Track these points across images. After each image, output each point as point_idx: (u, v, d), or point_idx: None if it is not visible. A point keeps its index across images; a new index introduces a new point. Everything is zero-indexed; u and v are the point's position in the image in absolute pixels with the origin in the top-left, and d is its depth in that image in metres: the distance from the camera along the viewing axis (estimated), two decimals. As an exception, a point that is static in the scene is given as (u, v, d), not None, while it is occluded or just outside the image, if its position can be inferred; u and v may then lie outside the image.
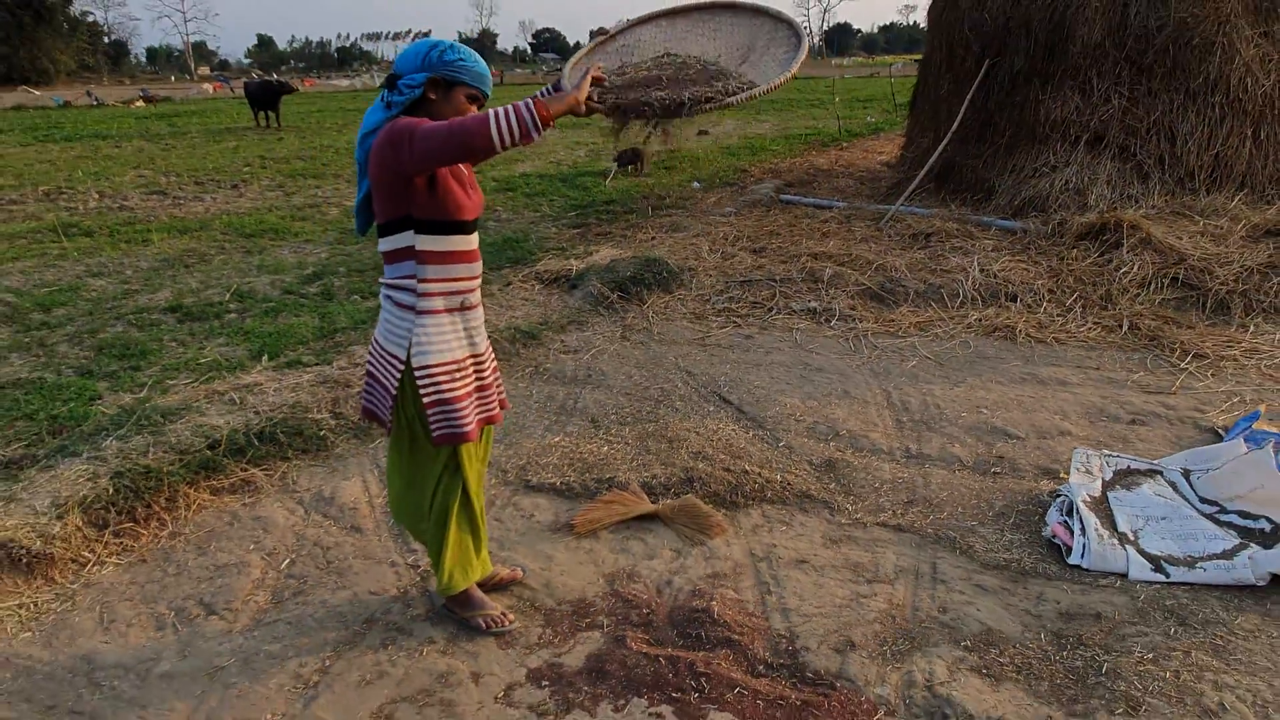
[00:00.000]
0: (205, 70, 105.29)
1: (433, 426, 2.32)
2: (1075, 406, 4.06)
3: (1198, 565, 2.74)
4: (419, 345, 2.28)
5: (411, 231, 2.23)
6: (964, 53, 7.57)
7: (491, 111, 2.05)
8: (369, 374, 2.43)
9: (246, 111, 22.92)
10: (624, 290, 5.77)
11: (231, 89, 41.81)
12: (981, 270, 5.58)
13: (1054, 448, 3.65)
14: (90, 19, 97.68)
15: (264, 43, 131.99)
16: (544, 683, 2.44)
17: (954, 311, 5.27)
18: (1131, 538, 2.88)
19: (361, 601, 2.84)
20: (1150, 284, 5.19)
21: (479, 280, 2.43)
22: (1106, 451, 3.38)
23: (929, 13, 8.26)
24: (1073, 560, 2.85)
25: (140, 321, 5.92)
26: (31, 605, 2.84)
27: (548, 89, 2.53)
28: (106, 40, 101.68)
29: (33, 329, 5.81)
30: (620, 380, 4.55)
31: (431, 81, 2.21)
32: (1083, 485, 3.09)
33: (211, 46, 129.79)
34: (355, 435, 4.00)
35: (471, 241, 2.35)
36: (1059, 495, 3.13)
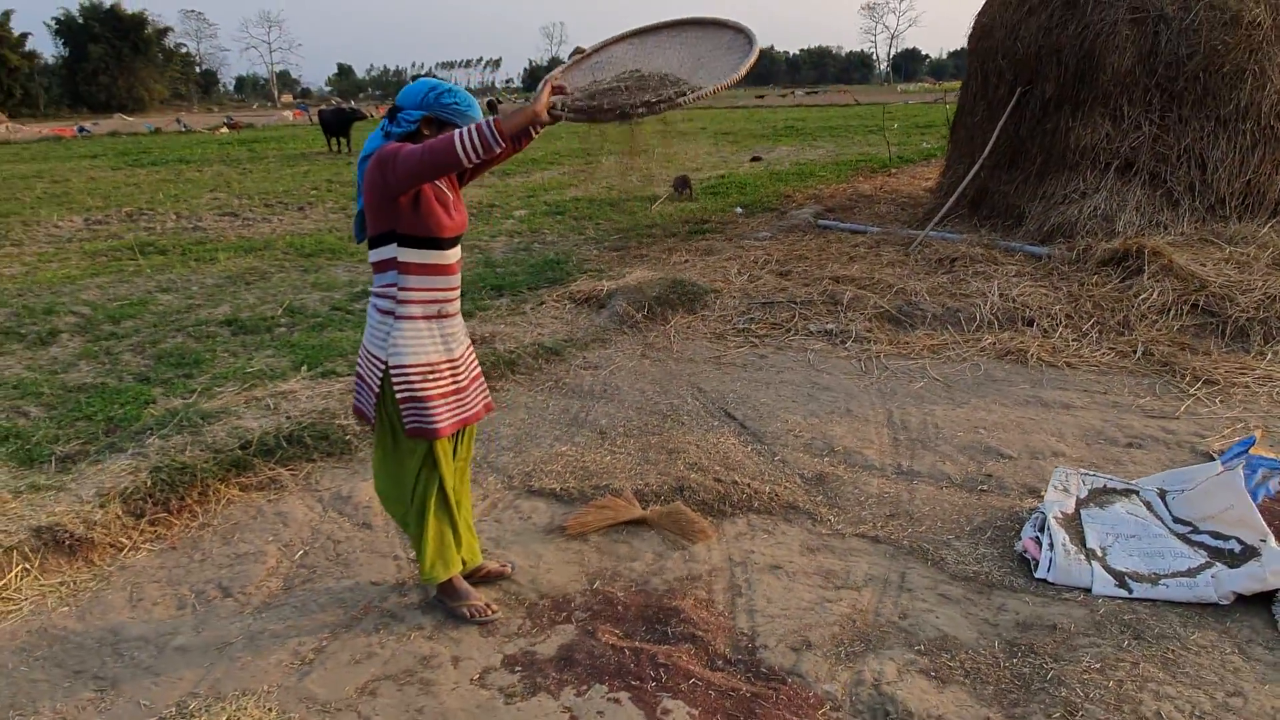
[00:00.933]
0: (288, 98, 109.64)
1: (405, 421, 2.57)
2: (1074, 429, 4.11)
3: (1160, 582, 2.80)
4: (395, 347, 2.53)
5: (395, 245, 2.49)
6: (997, 80, 7.62)
7: (458, 131, 2.29)
8: (357, 374, 2.69)
9: (321, 137, 23.90)
10: (649, 310, 5.98)
11: (310, 116, 43.48)
12: (1001, 295, 5.63)
13: (1044, 468, 3.71)
14: (184, 50, 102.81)
15: (343, 71, 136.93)
16: (517, 668, 2.63)
17: (969, 335, 5.34)
18: (1099, 554, 2.95)
19: (362, 590, 3.07)
20: (1169, 310, 5.18)
21: (457, 292, 2.67)
22: (1084, 470, 3.43)
23: (969, 40, 8.34)
24: (1039, 574, 2.92)
25: (198, 333, 6.33)
26: (71, 584, 3.15)
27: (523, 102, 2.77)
28: (198, 70, 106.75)
29: (102, 339, 6.27)
30: (633, 395, 4.74)
31: (427, 119, 2.50)
32: (1057, 502, 3.16)
33: (295, 75, 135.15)
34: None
35: (450, 256, 2.58)
36: (1036, 512, 3.21)
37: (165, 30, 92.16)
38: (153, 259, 9.42)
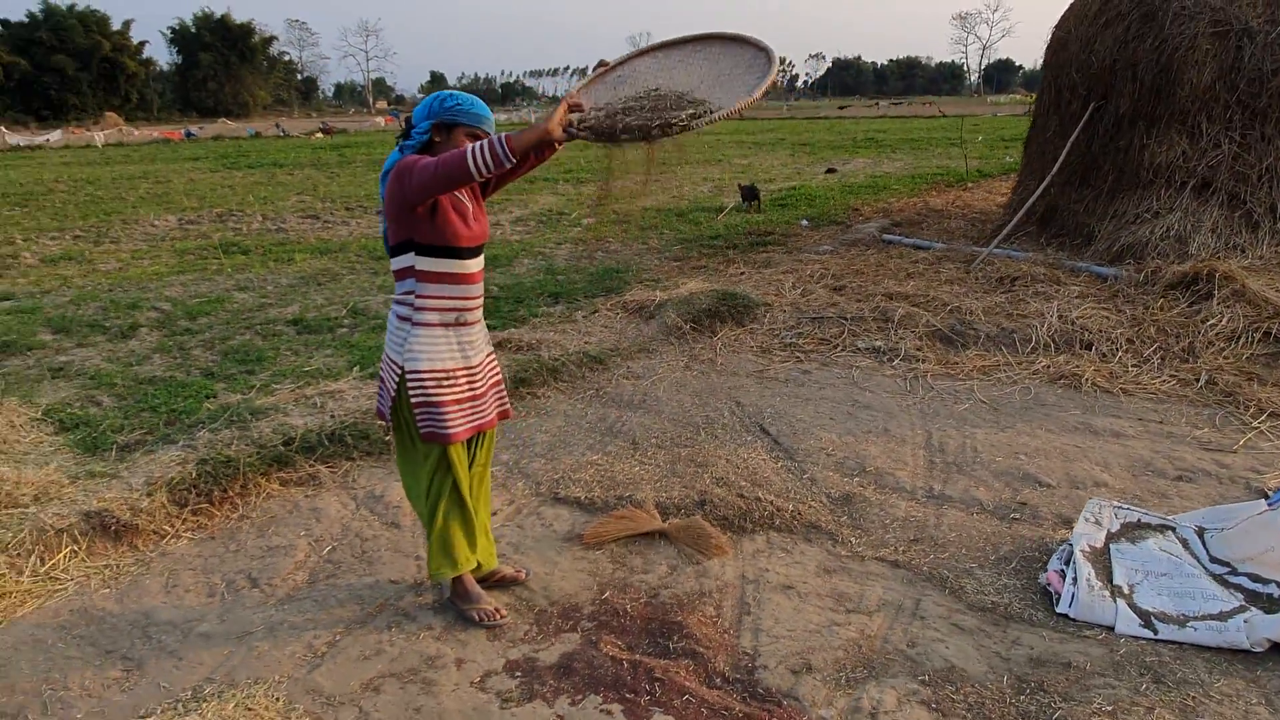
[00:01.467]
0: (382, 104, 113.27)
1: (419, 425, 2.65)
2: (1121, 459, 3.94)
3: (1189, 624, 2.67)
4: (411, 353, 2.61)
5: (413, 253, 2.57)
6: (1070, 95, 7.37)
7: (470, 146, 2.35)
8: (379, 377, 2.77)
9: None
10: (697, 322, 5.97)
11: (400, 121, 44.74)
12: (1060, 316, 5.44)
13: (1083, 498, 3.57)
14: (286, 58, 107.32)
15: (436, 79, 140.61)
16: (517, 673, 2.66)
17: (1022, 357, 5.17)
18: (1125, 591, 2.82)
19: (381, 587, 3.15)
20: (1239, 338, 4.92)
21: (477, 300, 2.72)
22: (1118, 503, 3.29)
23: (1045, 53, 8.10)
24: (1060, 609, 2.82)
25: (266, 331, 6.59)
26: (115, 567, 3.32)
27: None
28: (299, 77, 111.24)
29: (177, 334, 6.58)
30: (671, 406, 4.75)
31: (435, 126, 2.58)
32: (1086, 535, 3.05)
33: (390, 83, 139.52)
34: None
35: (468, 266, 2.64)
36: (1064, 544, 3.10)
37: (270, 39, 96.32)
38: (235, 258, 9.85)
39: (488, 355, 2.84)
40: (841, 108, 65.23)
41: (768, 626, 2.83)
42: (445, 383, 2.65)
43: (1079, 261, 6.57)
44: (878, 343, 5.49)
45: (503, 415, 2.92)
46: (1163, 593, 2.81)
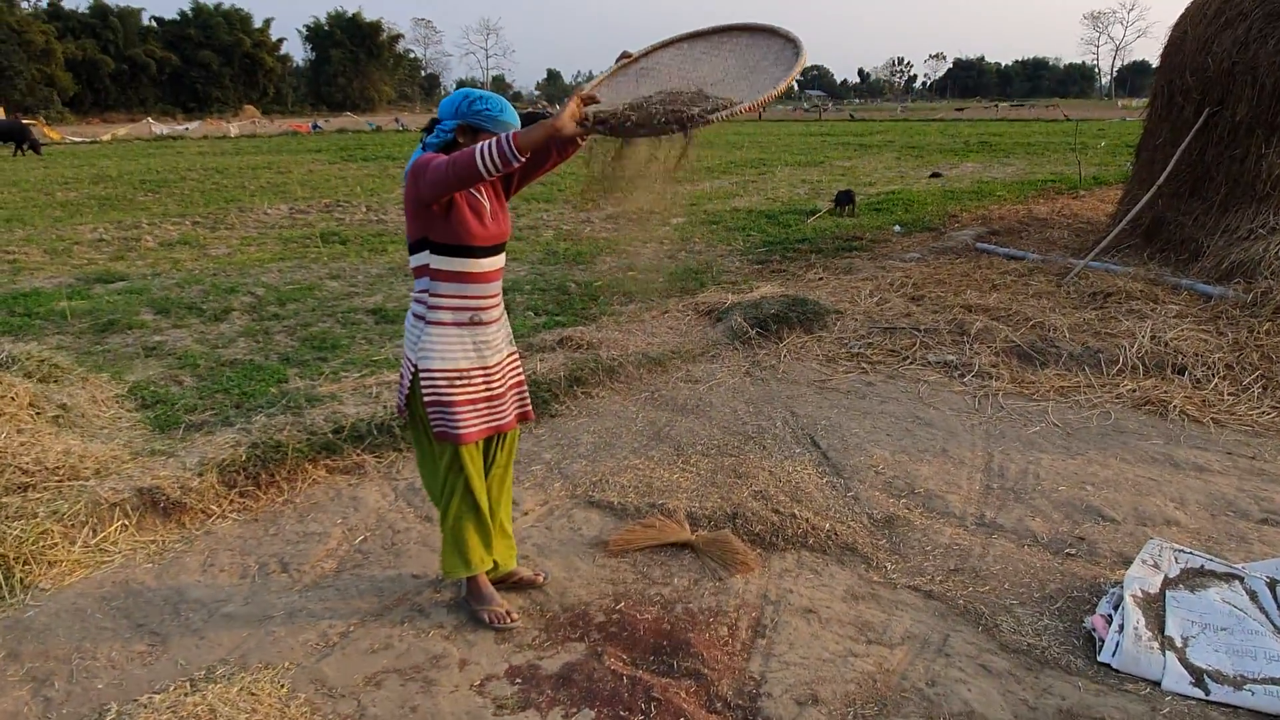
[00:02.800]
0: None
1: (432, 424, 2.64)
2: (1201, 495, 3.63)
3: (1246, 686, 2.41)
4: (424, 351, 2.60)
5: (428, 251, 2.56)
6: (1183, 99, 6.84)
7: (479, 145, 2.31)
8: (400, 375, 2.79)
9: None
10: (764, 327, 5.83)
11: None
12: (1152, 337, 5.06)
13: (1149, 537, 3.29)
14: (411, 55, 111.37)
15: (551, 76, 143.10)
16: (517, 680, 2.63)
17: (1106, 379, 4.83)
18: (1178, 644, 2.58)
19: (402, 581, 3.17)
20: (1356, 370, 4.47)
21: (495, 299, 2.69)
22: (1179, 546, 3.01)
23: (1160, 55, 7.55)
24: (1103, 658, 2.60)
25: (346, 320, 6.78)
26: (160, 543, 3.45)
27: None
28: (423, 74, 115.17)
29: (265, 319, 6.85)
30: (723, 413, 4.64)
31: (461, 128, 2.55)
32: (1140, 578, 2.80)
33: (509, 80, 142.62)
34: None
35: (484, 265, 2.61)
36: (1116, 586, 2.86)
37: (397, 37, 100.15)
38: (333, 248, 10.20)
39: (508, 355, 2.81)
40: (959, 110, 63.02)
41: (780, 652, 2.71)
42: (458, 382, 2.63)
43: (1182, 278, 6.10)
44: (950, 356, 5.23)
45: (523, 417, 2.89)
46: (1220, 649, 2.55)
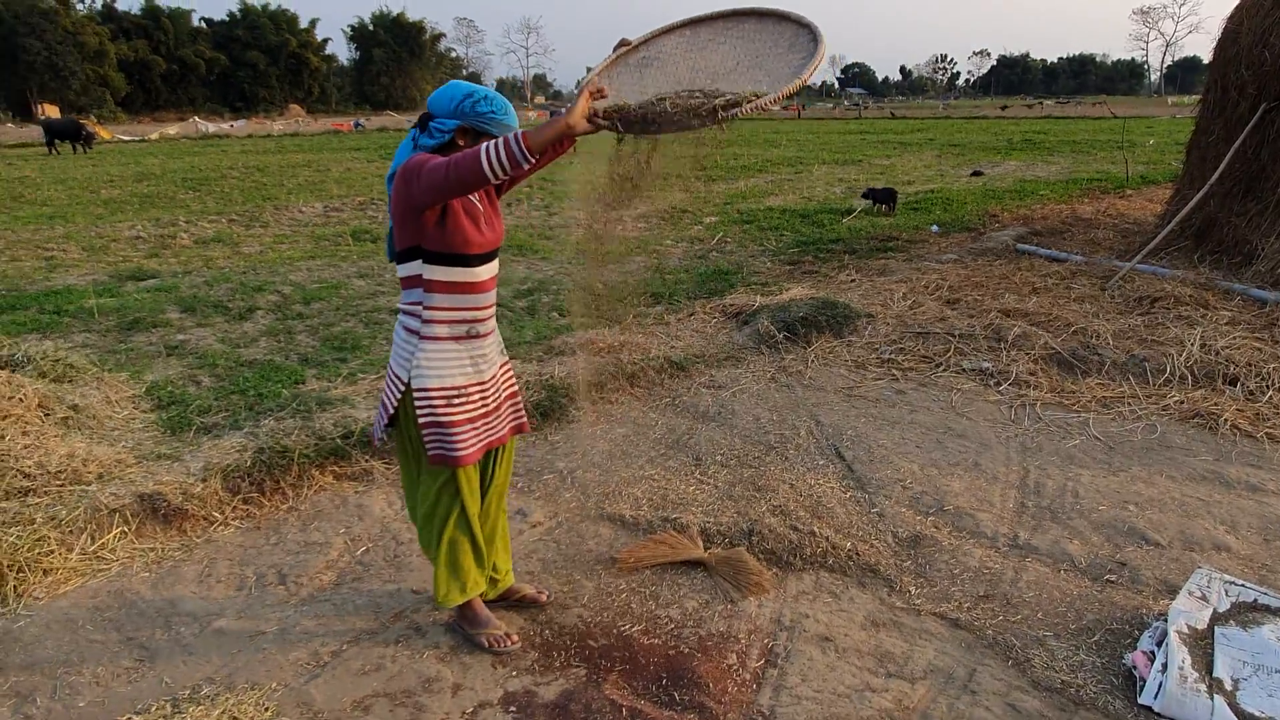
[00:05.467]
0: (540, 99, 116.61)
1: (428, 447, 2.46)
2: (1253, 518, 3.37)
3: (1304, 737, 2.19)
4: (419, 369, 2.41)
5: (420, 261, 2.37)
6: (1238, 94, 6.50)
7: (484, 145, 2.12)
8: (381, 394, 2.60)
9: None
10: (791, 330, 5.63)
11: (549, 114, 46.14)
12: (1202, 345, 4.78)
13: (1197, 563, 3.06)
14: (453, 54, 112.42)
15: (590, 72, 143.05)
16: (511, 708, 2.49)
17: (1152, 389, 4.57)
18: (1228, 686, 2.36)
19: (401, 596, 3.05)
20: None
21: (489, 310, 2.52)
22: (1231, 577, 2.78)
23: (1213, 49, 7.19)
24: (1143, 700, 2.39)
25: (369, 320, 6.70)
26: (159, 551, 3.36)
27: (568, 107, 2.59)
28: (464, 72, 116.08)
29: (289, 318, 6.80)
30: (746, 421, 4.46)
31: (462, 129, 2.34)
32: (1186, 612, 2.58)
33: (549, 79, 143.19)
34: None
35: (480, 274, 2.44)
36: (1161, 620, 2.64)
37: (439, 36, 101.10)
38: (363, 246, 10.17)
39: (502, 366, 2.66)
40: (1003, 107, 61.83)
41: (792, 684, 2.54)
42: (456, 400, 2.45)
43: (1235, 283, 5.78)
44: (985, 364, 4.99)
45: (518, 429, 2.74)
46: (1276, 693, 2.33)
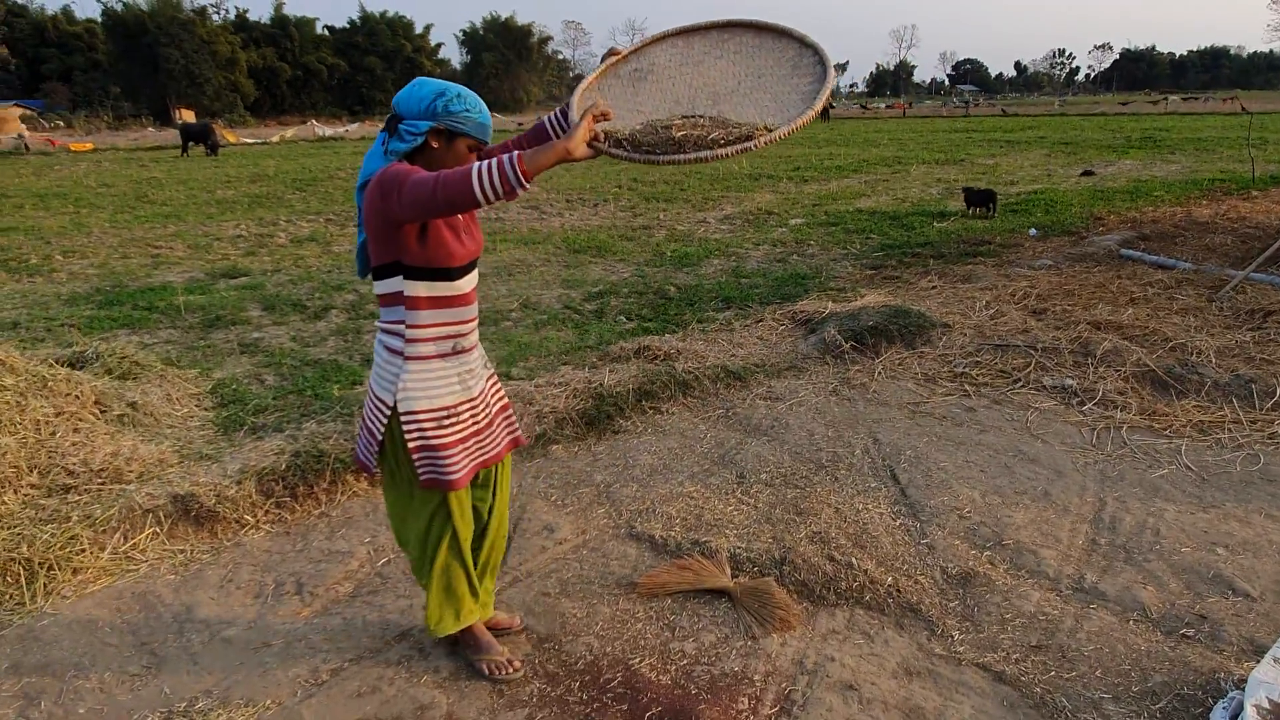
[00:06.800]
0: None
1: (419, 471, 2.32)
2: (1368, 570, 2.94)
3: (1406, 846, 1.84)
4: (405, 391, 2.27)
5: (401, 277, 2.21)
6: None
7: (475, 166, 1.96)
8: (362, 420, 2.45)
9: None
10: (859, 340, 5.33)
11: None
12: (1321, 366, 4.26)
13: (1293, 621, 2.68)
14: (560, 56, 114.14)
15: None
16: (502, 742, 2.35)
17: (1259, 414, 4.09)
18: (1314, 776, 2.02)
19: (411, 613, 2.95)
20: None
21: (473, 323, 2.37)
22: (1327, 644, 2.39)
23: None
24: (1210, 782, 2.07)
25: (436, 320, 6.70)
26: (188, 553, 3.37)
27: (557, 114, 2.42)
28: (571, 74, 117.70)
29: (360, 318, 6.88)
30: (799, 437, 4.21)
31: (435, 130, 2.16)
32: (1268, 684, 2.23)
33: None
34: (518, 451, 4.16)
35: (463, 286, 2.29)
36: (1239, 690, 2.30)
37: (546, 39, 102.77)
38: (446, 246, 10.26)
39: (489, 380, 2.51)
40: (1122, 104, 58.61)
41: (805, 736, 2.31)
42: (446, 422, 2.31)
43: (1369, 295, 5.18)
44: (1069, 381, 4.59)
45: (514, 443, 2.58)
46: (1373, 788, 1.98)
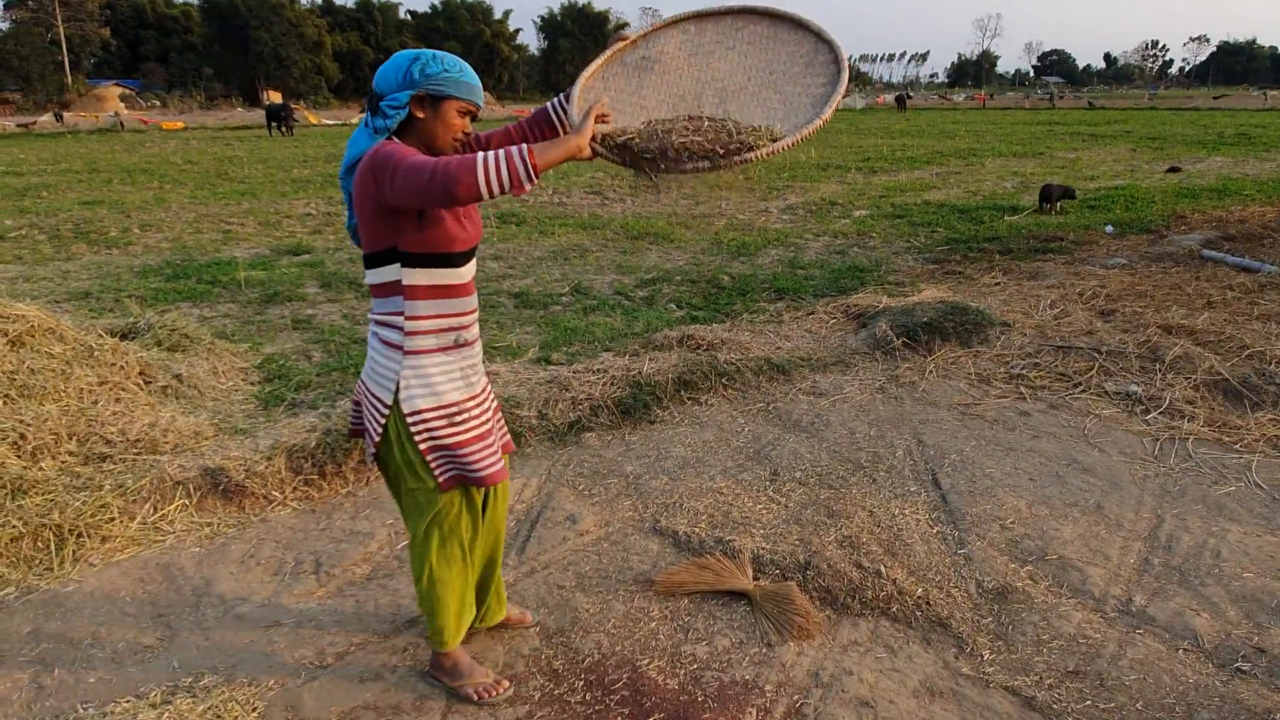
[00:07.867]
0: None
1: (436, 473, 2.19)
2: None
3: None
4: (407, 389, 2.14)
5: (398, 265, 2.08)
6: None
7: (481, 156, 1.86)
8: (364, 412, 2.30)
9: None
10: (912, 336, 5.12)
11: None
12: None
13: (1364, 660, 2.45)
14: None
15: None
16: (499, 738, 2.28)
17: (1342, 431, 3.79)
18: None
19: (423, 600, 2.91)
20: None
21: (474, 314, 2.25)
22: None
23: None
24: (1254, 834, 1.89)
25: (487, 302, 6.70)
26: (214, 526, 3.39)
27: (558, 100, 2.31)
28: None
29: (414, 299, 6.90)
30: (839, 435, 4.05)
31: (417, 99, 2.03)
32: (1328, 729, 2.03)
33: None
34: (550, 438, 4.10)
35: (464, 274, 2.17)
36: (1295, 731, 2.10)
37: (623, 25, 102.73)
38: (507, 228, 10.30)
39: (485, 378, 2.40)
40: (1217, 98, 55.83)
41: (813, 753, 2.19)
42: (458, 419, 2.18)
43: None
44: (1134, 387, 4.32)
45: (504, 449, 2.47)
46: None
